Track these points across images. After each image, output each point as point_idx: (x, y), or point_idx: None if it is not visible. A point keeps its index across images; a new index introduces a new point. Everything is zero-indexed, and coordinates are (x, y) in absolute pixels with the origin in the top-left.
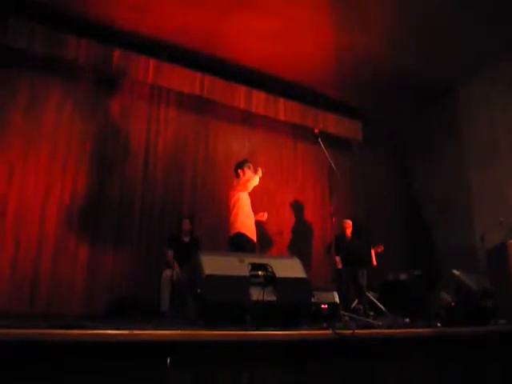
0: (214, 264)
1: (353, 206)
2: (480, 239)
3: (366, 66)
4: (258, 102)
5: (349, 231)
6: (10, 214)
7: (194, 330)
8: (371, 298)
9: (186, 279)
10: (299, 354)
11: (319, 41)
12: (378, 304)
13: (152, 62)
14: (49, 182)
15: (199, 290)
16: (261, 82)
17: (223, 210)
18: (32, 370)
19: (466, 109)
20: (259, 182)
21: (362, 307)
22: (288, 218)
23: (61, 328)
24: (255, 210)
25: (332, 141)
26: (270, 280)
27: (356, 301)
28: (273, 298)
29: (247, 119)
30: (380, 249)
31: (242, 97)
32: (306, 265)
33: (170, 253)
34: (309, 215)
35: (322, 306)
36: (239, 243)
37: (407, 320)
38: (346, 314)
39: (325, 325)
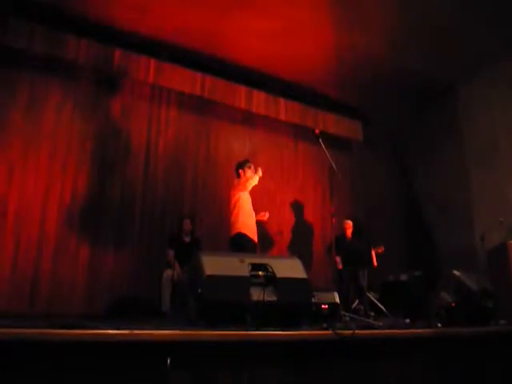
0: (215, 264)
1: (353, 207)
2: (480, 239)
3: (366, 66)
4: (259, 102)
5: (349, 231)
6: (11, 214)
7: (194, 330)
8: (372, 298)
9: (187, 279)
10: (299, 354)
11: (319, 41)
12: (379, 304)
13: (152, 61)
14: (49, 182)
15: (200, 290)
16: (261, 82)
17: (224, 210)
18: (32, 370)
19: (465, 109)
20: (260, 181)
21: (362, 307)
22: (288, 218)
23: (61, 328)
24: (256, 210)
25: (332, 141)
26: (271, 280)
27: (356, 301)
28: (273, 298)
29: (248, 119)
30: (380, 249)
31: (242, 97)
32: (307, 265)
33: (171, 253)
34: (309, 215)
35: (323, 306)
36: (240, 243)
37: (407, 320)
38: (346, 314)
39: (325, 325)
